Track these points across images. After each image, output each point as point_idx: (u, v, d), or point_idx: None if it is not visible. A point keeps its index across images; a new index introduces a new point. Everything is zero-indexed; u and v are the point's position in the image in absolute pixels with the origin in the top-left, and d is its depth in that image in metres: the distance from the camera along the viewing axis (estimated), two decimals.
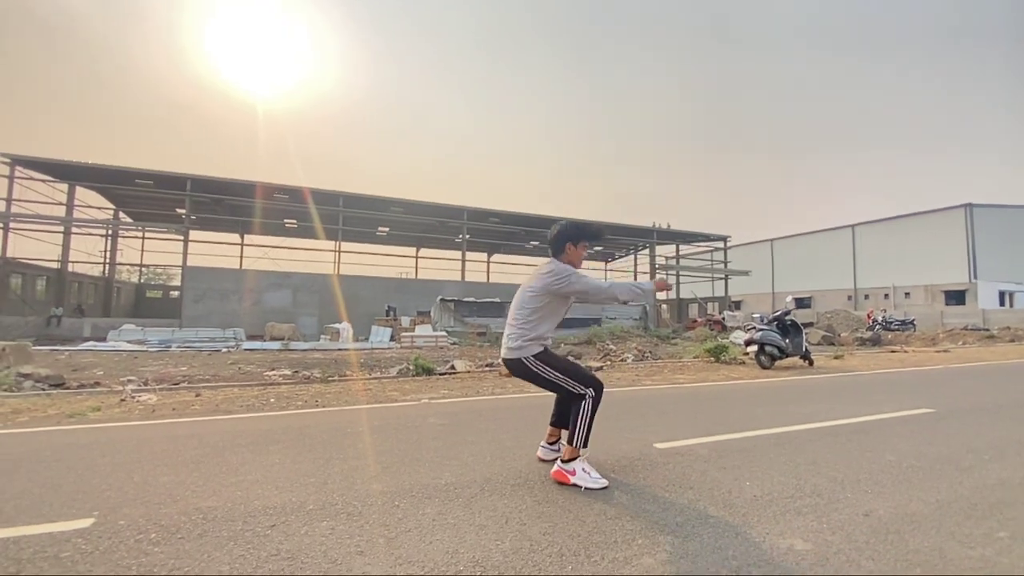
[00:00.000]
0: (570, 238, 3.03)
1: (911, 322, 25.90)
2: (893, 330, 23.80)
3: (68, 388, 6.62)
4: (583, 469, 2.71)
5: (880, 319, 25.66)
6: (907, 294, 40.58)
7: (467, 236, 30.87)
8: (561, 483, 2.70)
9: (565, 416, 2.95)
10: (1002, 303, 36.40)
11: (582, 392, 2.80)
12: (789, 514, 2.28)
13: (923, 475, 2.87)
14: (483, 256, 38.78)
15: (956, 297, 37.11)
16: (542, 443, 3.20)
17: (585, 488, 2.62)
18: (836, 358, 11.22)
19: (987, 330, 22.25)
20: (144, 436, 3.84)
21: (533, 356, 2.87)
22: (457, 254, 31.72)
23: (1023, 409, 5.09)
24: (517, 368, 2.93)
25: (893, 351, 14.26)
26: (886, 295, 41.53)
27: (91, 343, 16.84)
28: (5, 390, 6.06)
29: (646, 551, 1.91)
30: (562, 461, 2.77)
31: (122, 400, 5.48)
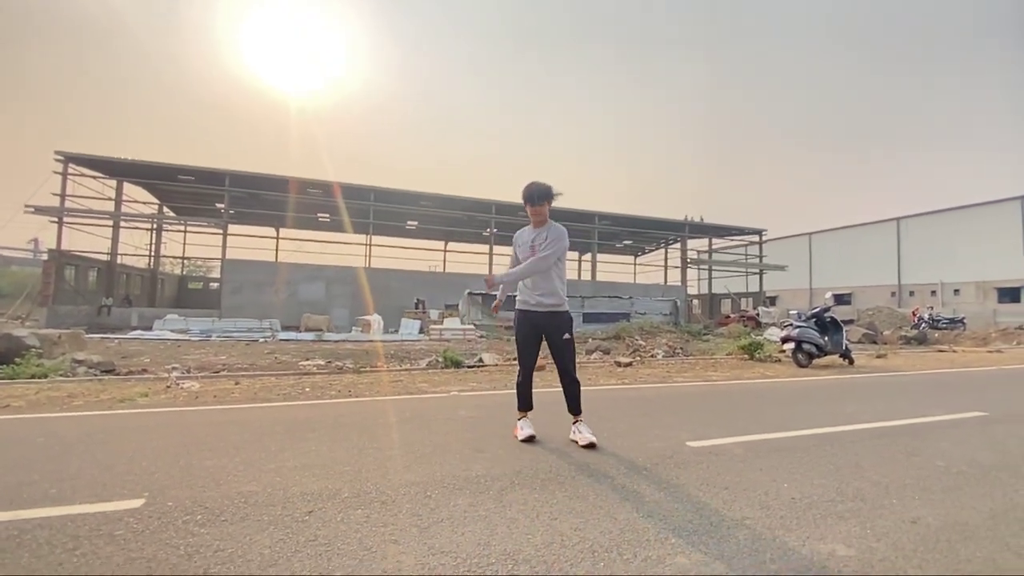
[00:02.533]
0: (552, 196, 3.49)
1: (961, 320, 24.55)
2: (941, 328, 22.63)
3: (118, 374, 6.98)
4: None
5: (927, 317, 24.41)
6: (956, 291, 38.51)
7: (495, 230, 30.93)
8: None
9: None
10: None
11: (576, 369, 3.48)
12: (830, 518, 2.20)
13: (975, 482, 2.73)
14: (510, 250, 38.73)
15: (1010, 294, 35.01)
16: (573, 426, 3.48)
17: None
18: (879, 357, 10.77)
19: None
20: (188, 422, 4.01)
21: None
22: (485, 248, 31.83)
23: None
24: (562, 322, 3.40)
25: (941, 351, 13.58)
26: (933, 292, 39.54)
27: (138, 332, 17.70)
28: (61, 375, 6.44)
29: (680, 551, 1.88)
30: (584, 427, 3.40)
31: (168, 387, 5.74)
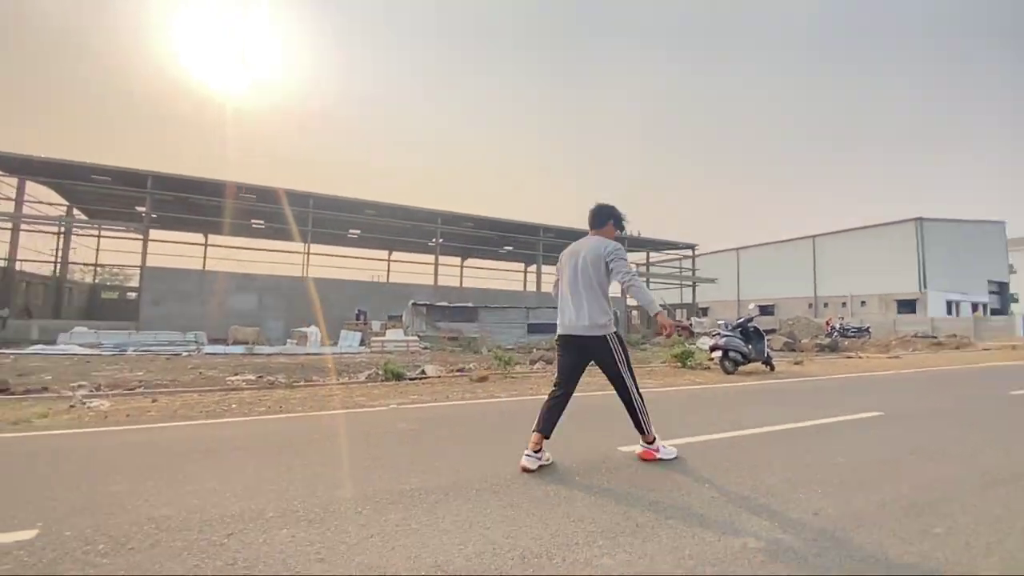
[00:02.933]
0: (612, 216, 3.36)
1: (866, 329, 27.04)
2: (850, 337, 24.82)
3: (12, 394, 6.28)
4: (664, 447, 3.28)
5: (838, 326, 26.72)
6: (863, 302, 42.42)
7: (440, 240, 30.72)
8: (649, 460, 3.21)
9: (552, 424, 3.08)
10: (949, 312, 38.53)
11: (638, 395, 3.19)
12: (745, 514, 2.36)
13: (869, 475, 3.01)
14: (456, 260, 38.60)
15: (908, 306, 39.04)
16: (526, 452, 2.99)
17: (667, 459, 3.22)
18: (796, 364, 11.65)
19: (935, 337, 23.48)
20: (94, 444, 3.68)
21: (617, 334, 3.13)
22: (430, 258, 31.51)
23: (961, 411, 5.43)
24: (598, 347, 3.11)
25: (849, 357, 14.89)
26: (844, 303, 43.33)
27: (39, 346, 15.97)
28: None
29: (606, 552, 1.95)
30: (648, 443, 3.25)
31: (72, 406, 5.23)
